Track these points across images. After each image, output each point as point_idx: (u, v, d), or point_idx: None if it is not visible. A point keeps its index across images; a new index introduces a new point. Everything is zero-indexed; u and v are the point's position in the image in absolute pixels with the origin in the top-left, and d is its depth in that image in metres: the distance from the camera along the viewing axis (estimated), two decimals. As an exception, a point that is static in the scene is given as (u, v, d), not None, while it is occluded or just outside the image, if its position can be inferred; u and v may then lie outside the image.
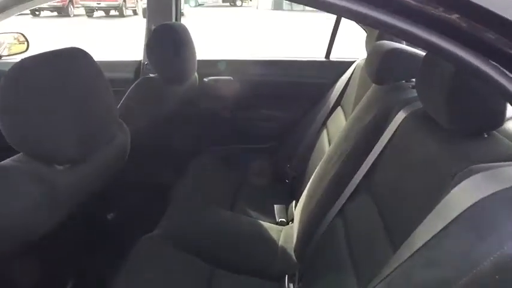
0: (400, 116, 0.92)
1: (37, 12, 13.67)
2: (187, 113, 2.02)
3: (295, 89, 2.01)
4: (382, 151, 0.94)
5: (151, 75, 1.57)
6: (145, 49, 1.50)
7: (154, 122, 1.46)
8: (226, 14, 16.60)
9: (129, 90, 1.41)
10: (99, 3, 13.92)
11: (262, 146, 2.12)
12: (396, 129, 0.91)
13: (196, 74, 1.77)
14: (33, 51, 0.92)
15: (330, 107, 1.79)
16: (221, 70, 2.00)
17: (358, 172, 1.01)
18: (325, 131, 1.71)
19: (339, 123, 1.61)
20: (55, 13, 13.95)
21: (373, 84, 1.18)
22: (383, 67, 1.05)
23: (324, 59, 2.02)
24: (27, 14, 13.28)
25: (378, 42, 1.17)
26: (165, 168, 2.03)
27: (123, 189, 1.69)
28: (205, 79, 1.98)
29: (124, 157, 1.04)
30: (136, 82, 1.42)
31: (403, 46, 1.08)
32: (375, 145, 0.99)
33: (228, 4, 21.24)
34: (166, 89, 1.47)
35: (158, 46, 1.44)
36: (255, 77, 2.00)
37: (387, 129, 0.95)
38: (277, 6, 18.65)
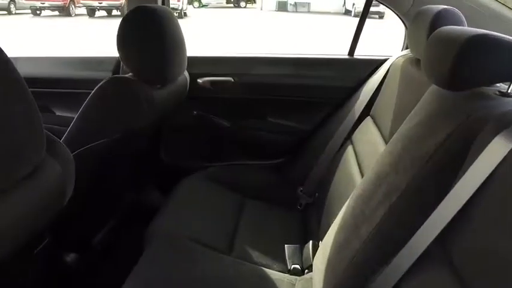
0: (502, 141, 0.55)
1: (38, 12, 13.46)
2: (174, 123, 1.66)
3: (311, 94, 1.64)
4: (475, 196, 0.57)
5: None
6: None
7: (127, 135, 1.10)
8: (229, 14, 16.31)
9: (91, 95, 1.05)
10: (101, 3, 13.65)
11: (268, 163, 1.74)
12: (502, 162, 0.54)
13: (186, 73, 1.40)
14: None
15: (356, 116, 1.42)
16: (219, 69, 1.63)
17: (426, 227, 0.64)
18: (350, 148, 1.34)
19: (369, 138, 1.24)
20: (56, 12, 13.72)
21: (434, 90, 0.81)
22: (465, 65, 0.67)
23: (347, 57, 1.65)
24: (28, 13, 13.10)
25: (442, 29, 0.79)
26: (145, 193, 1.67)
27: (93, 219, 1.34)
28: (199, 80, 1.62)
29: (63, 194, 0.70)
30: (100, 84, 1.05)
31: (491, 33, 0.71)
32: (452, 183, 0.62)
33: (231, 5, 20.97)
34: (144, 92, 1.10)
35: (130, 36, 1.08)
36: (261, 78, 1.63)
37: (479, 160, 0.58)
38: (282, 7, 18.37)
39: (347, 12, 16.45)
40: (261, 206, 1.46)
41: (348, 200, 0.95)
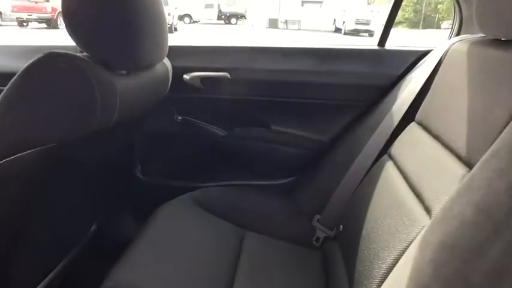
0: None
1: (24, 24, 13.14)
2: (153, 130, 1.29)
3: (330, 94, 1.28)
4: None
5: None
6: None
7: (70, 141, 0.72)
8: (220, 30, 16.20)
9: (11, 81, 0.67)
10: (31, 15, 13.41)
11: (274, 183, 1.37)
12: None
13: (169, 64, 1.04)
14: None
15: (395, 123, 1.05)
16: (213, 62, 1.27)
17: None
18: (390, 164, 0.96)
19: (422, 150, 0.88)
20: (43, 25, 13.42)
21: None
22: None
23: (378, 47, 1.30)
24: (14, 25, 12.73)
25: None
26: (114, 222, 1.29)
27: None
28: (185, 76, 1.25)
29: None
30: (32, 61, 0.68)
31: None
32: None
33: (222, 22, 20.89)
34: (97, 74, 0.73)
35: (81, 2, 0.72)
36: (266, 74, 1.27)
37: None
38: (272, 24, 18.39)
39: (337, 30, 16.49)
40: (266, 242, 1.09)
41: (416, 245, 0.60)
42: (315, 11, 18.19)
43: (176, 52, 1.25)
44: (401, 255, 0.69)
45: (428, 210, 0.71)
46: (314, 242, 1.12)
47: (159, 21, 0.88)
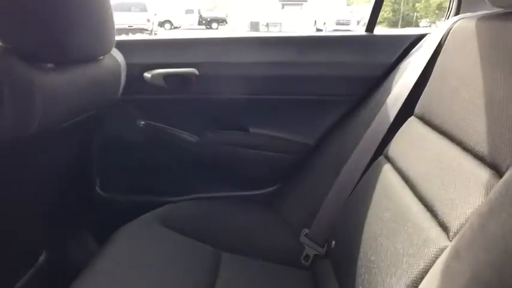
0: None
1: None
2: (113, 138, 1.12)
3: (314, 89, 1.11)
4: None
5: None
6: None
7: None
8: (202, 34, 16.07)
9: None
10: None
11: (254, 193, 1.21)
12: None
13: (120, 58, 0.88)
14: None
15: (391, 118, 0.90)
16: (177, 57, 1.10)
17: None
18: (387, 167, 0.80)
19: (425, 148, 0.72)
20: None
21: None
22: None
23: (366, 33, 1.14)
24: None
25: None
26: (73, 245, 1.12)
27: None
28: (146, 74, 1.08)
29: None
30: None
31: None
32: None
33: (203, 27, 20.71)
34: (9, 66, 0.56)
35: None
36: (240, 68, 1.10)
37: None
38: (254, 27, 18.35)
39: (318, 31, 16.48)
40: (245, 263, 0.93)
41: (438, 275, 0.46)
42: (295, 13, 18.20)
43: (133, 47, 1.08)
44: (416, 286, 0.53)
45: (444, 227, 0.55)
46: (302, 261, 0.96)
47: (99, 9, 0.73)
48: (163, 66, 1.08)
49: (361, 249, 0.74)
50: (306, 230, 0.98)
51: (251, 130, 1.16)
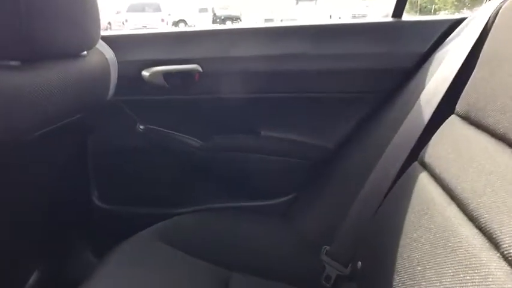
0: None
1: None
2: (110, 145, 1.01)
3: (336, 85, 0.98)
4: None
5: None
6: None
7: None
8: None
9: None
10: None
11: (266, 204, 1.08)
12: None
13: (109, 57, 0.78)
14: None
15: (426, 118, 0.76)
16: (178, 53, 0.98)
17: None
18: (425, 176, 0.66)
19: (476, 158, 0.58)
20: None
21: None
22: None
23: (393, 19, 1.00)
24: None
25: None
26: (69, 261, 1.03)
27: None
28: (144, 73, 0.97)
29: None
30: None
31: None
32: None
33: (218, 25, 20.69)
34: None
35: None
36: (249, 63, 0.97)
37: None
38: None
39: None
40: (258, 284, 0.83)
41: None
42: (310, 8, 17.93)
43: (129, 42, 0.97)
44: None
45: (505, 257, 0.42)
46: (323, 282, 0.83)
47: (80, 2, 0.61)
48: (163, 63, 0.97)
49: (395, 277, 0.61)
50: (327, 247, 0.86)
51: (262, 133, 1.03)
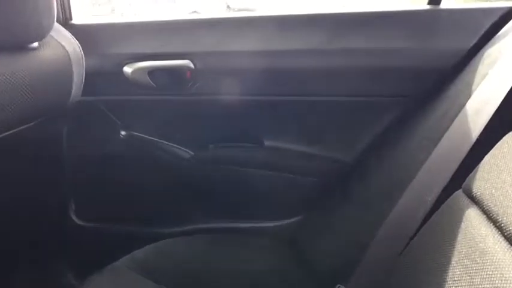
0: None
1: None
2: (89, 154, 0.88)
3: (356, 87, 0.81)
4: None
5: None
6: None
7: None
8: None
9: None
10: None
11: (269, 225, 0.93)
12: None
13: (70, 46, 0.63)
14: None
15: (475, 133, 0.59)
16: (165, 46, 0.82)
17: None
18: (473, 211, 0.50)
19: None
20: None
21: None
22: None
23: (430, 7, 0.81)
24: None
25: None
26: (49, 281, 0.93)
27: None
28: (126, 68, 0.81)
29: None
30: None
31: None
32: None
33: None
34: None
35: None
36: (252, 59, 0.81)
37: None
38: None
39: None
40: None
41: None
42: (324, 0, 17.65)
43: (108, 32, 0.83)
44: None
45: None
46: None
47: None
48: (148, 58, 0.82)
49: None
50: (342, 287, 0.70)
51: (266, 143, 0.87)
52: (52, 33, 0.57)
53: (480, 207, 0.48)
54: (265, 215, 0.91)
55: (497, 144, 0.51)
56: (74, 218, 0.94)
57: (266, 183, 0.89)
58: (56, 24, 0.63)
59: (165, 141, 0.88)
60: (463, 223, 0.49)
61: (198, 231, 0.91)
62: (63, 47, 0.61)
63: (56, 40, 0.60)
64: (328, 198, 0.86)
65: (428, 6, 0.79)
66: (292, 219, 0.91)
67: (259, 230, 0.91)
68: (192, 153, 0.88)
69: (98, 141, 0.89)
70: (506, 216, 0.42)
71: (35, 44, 0.55)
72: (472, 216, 0.48)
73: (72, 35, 0.75)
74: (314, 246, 0.83)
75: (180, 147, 0.88)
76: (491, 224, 0.44)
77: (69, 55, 0.61)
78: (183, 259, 0.79)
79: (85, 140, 0.88)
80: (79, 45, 0.65)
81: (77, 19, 0.85)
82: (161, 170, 0.90)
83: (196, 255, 0.80)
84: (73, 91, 0.64)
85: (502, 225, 0.42)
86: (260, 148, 0.87)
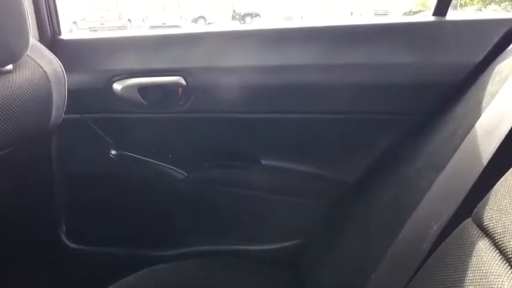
0: None
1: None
2: (77, 172, 0.84)
3: (358, 104, 0.76)
4: None
5: None
6: None
7: None
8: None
9: None
10: None
11: (266, 248, 0.88)
12: None
13: (48, 66, 0.58)
14: None
15: (486, 156, 0.54)
16: (157, 62, 0.79)
17: None
18: (484, 244, 0.45)
19: None
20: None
21: None
22: None
23: (436, 19, 0.76)
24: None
25: None
26: None
27: None
28: (116, 85, 0.78)
29: None
30: None
31: None
32: None
33: (237, 22, 20.59)
34: None
35: None
36: (248, 75, 0.77)
37: None
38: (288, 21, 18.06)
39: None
40: None
41: None
42: (331, 4, 17.60)
43: (97, 47, 0.79)
44: None
45: None
46: None
47: None
48: (139, 74, 0.78)
49: None
50: None
51: (263, 162, 0.82)
52: (30, 53, 0.54)
53: (492, 240, 0.43)
54: (263, 237, 0.86)
55: (510, 169, 0.47)
56: (65, 240, 0.91)
57: (264, 204, 0.84)
58: (35, 43, 0.60)
59: (157, 162, 0.84)
60: (473, 258, 0.44)
61: (193, 254, 0.87)
62: (41, 67, 0.57)
63: (34, 60, 0.56)
64: (329, 221, 0.81)
65: (433, 18, 0.74)
66: (292, 242, 0.85)
67: (256, 254, 0.87)
68: (186, 174, 0.84)
69: (88, 161, 0.85)
70: None
71: (9, 67, 0.51)
72: (483, 251, 0.43)
73: (61, 50, 0.71)
74: (314, 273, 0.78)
75: (173, 167, 0.84)
76: (505, 261, 0.39)
77: (47, 76, 0.57)
78: (176, 285, 0.75)
79: (76, 160, 0.85)
80: (60, 64, 0.61)
81: (65, 34, 0.82)
82: (154, 191, 0.86)
83: (190, 283, 0.75)
84: (53, 112, 0.60)
85: None
86: (256, 168, 0.83)
